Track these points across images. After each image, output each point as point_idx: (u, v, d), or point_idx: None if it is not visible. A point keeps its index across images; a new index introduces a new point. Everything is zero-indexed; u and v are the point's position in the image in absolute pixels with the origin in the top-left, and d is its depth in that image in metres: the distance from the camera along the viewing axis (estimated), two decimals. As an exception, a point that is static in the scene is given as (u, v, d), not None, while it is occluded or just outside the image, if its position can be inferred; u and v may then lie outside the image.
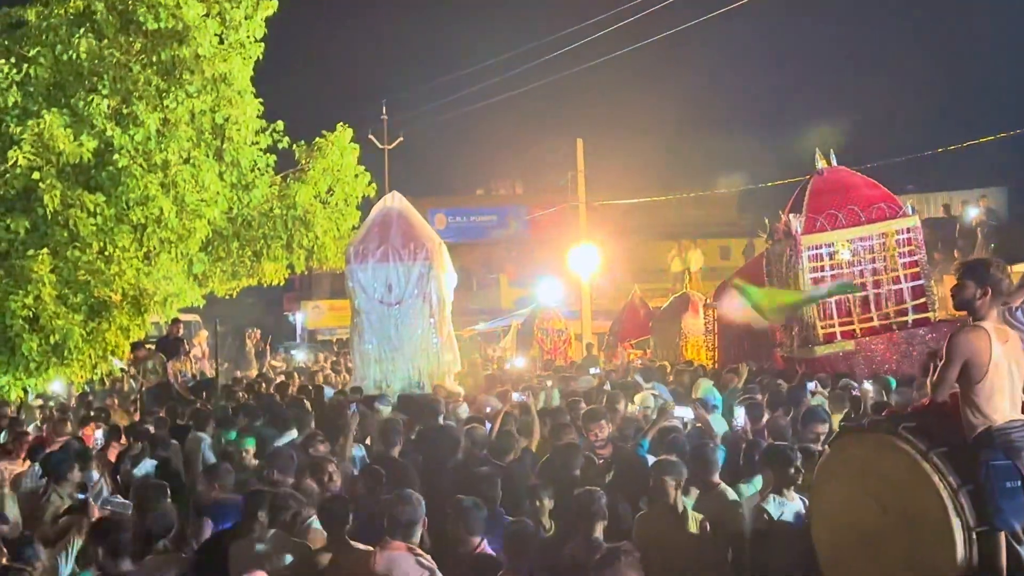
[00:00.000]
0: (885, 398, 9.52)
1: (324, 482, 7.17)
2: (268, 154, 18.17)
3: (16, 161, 14.51)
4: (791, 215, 14.54)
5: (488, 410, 10.65)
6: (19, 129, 14.69)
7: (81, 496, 7.75)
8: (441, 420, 9.90)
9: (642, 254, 38.90)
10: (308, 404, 12.17)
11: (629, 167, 37.20)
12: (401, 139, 38.84)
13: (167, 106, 15.89)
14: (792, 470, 6.49)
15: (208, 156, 16.78)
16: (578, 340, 27.41)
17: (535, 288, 31.76)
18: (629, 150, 38.60)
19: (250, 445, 8.93)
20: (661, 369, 15.26)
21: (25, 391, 15.33)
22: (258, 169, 17.98)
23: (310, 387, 15.36)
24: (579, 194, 29.93)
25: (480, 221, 45.11)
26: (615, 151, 38.13)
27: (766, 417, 9.20)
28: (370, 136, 37.08)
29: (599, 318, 30.23)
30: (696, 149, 41.88)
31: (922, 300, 14.26)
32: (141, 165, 15.44)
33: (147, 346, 16.49)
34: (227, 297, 19.78)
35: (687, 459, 6.96)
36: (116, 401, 15.11)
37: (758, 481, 7.25)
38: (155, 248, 15.84)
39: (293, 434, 9.64)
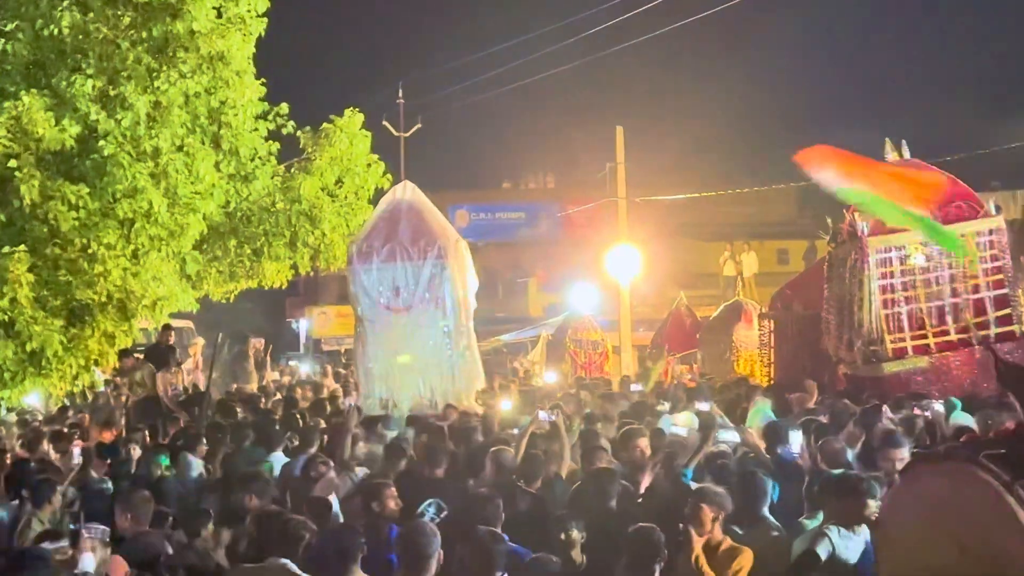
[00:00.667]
0: (951, 421, 9.41)
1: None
2: (270, 141, 18.28)
3: (-9, 148, 14.64)
4: (856, 214, 14.39)
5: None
6: (-6, 112, 14.83)
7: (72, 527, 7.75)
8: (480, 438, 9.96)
9: (689, 257, 38.75)
10: (323, 422, 12.33)
11: (675, 159, 37.10)
12: (419, 125, 38.90)
13: (158, 87, 16.01)
14: (863, 504, 6.36)
15: (203, 143, 16.90)
16: (615, 353, 27.32)
17: (568, 294, 31.73)
18: (675, 139, 38.53)
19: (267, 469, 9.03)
20: (709, 386, 15.18)
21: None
22: (259, 158, 18.08)
23: (326, 402, 15.24)
24: (618, 189, 29.82)
25: (507, 218, 45.15)
26: (659, 140, 38.07)
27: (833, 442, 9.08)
28: (384, 122, 37.16)
29: (640, 328, 30.13)
30: (751, 139, 41.73)
31: (1006, 311, 14.06)
32: (129, 153, 15.55)
33: (135, 355, 16.59)
34: (223, 301, 19.89)
35: (733, 489, 6.92)
36: (88, 417, 15.14)
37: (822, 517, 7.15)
38: (144, 246, 15.94)
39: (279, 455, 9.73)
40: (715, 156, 39.65)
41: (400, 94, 38.65)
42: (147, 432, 12.59)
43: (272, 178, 18.33)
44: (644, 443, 8.65)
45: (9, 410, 16.22)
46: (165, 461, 9.32)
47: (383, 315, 14.25)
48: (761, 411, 11.41)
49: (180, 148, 16.32)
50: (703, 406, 11.74)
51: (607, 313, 30.00)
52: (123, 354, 16.11)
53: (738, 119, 44.61)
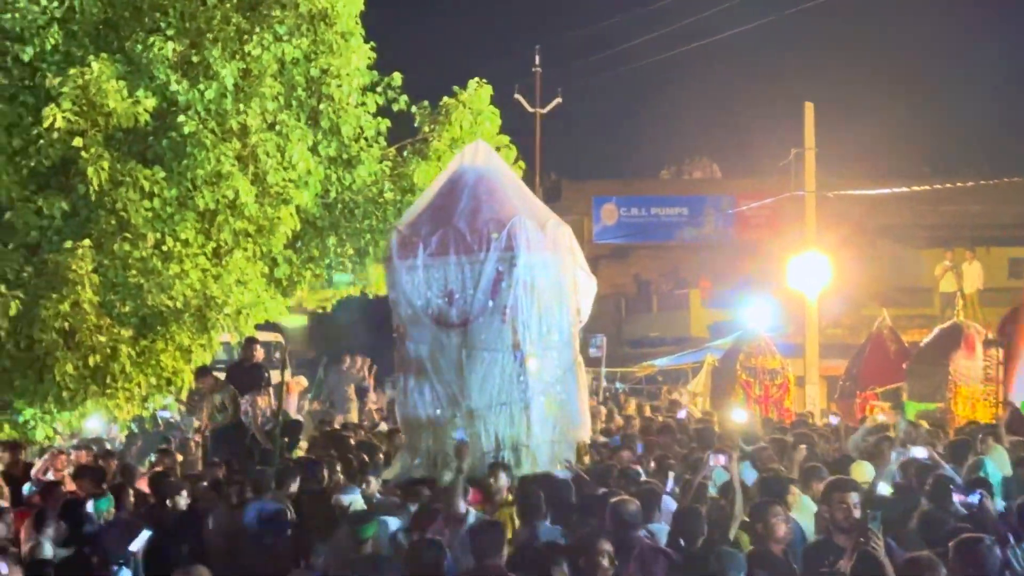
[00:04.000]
0: None
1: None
2: (379, 119, 18.44)
3: (53, 122, 15.12)
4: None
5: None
6: (58, 81, 15.30)
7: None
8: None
9: (894, 267, 37.89)
10: None
11: (876, 144, 36.35)
12: (559, 100, 38.94)
13: (249, 53, 16.31)
14: None
15: (299, 120, 17.13)
16: (799, 385, 26.82)
17: (738, 310, 31.25)
18: (877, 120, 37.73)
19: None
20: (929, 430, 14.81)
21: (56, 430, 15.97)
22: (365, 139, 18.25)
23: None
24: (805, 180, 29.32)
25: (665, 215, 44.87)
26: (857, 121, 37.33)
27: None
28: (517, 96, 37.34)
29: (830, 355, 29.54)
30: (977, 120, 40.55)
31: None
32: (213, 131, 15.88)
33: (214, 374, 16.91)
34: (319, 311, 20.17)
35: (949, 556, 6.86)
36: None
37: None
38: (227, 243, 16.24)
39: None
40: (928, 141, 38.70)
41: (537, 62, 38.77)
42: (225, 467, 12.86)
43: (380, 163, 18.49)
44: (853, 500, 8.43)
45: (71, 435, 16.70)
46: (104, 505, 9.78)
47: (431, 332, 12.54)
48: (996, 461, 11.07)
49: (272, 126, 16.59)
50: (919, 452, 11.42)
51: (789, 335, 29.50)
52: (201, 372, 16.41)
53: (959, 95, 43.42)
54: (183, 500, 11.67)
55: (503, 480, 10.72)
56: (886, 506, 8.95)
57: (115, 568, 8.03)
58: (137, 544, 7.50)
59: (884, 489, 9.97)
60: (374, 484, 11.07)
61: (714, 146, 47.60)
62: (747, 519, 8.96)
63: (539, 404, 12.34)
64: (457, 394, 12.25)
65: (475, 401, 12.20)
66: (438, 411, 12.40)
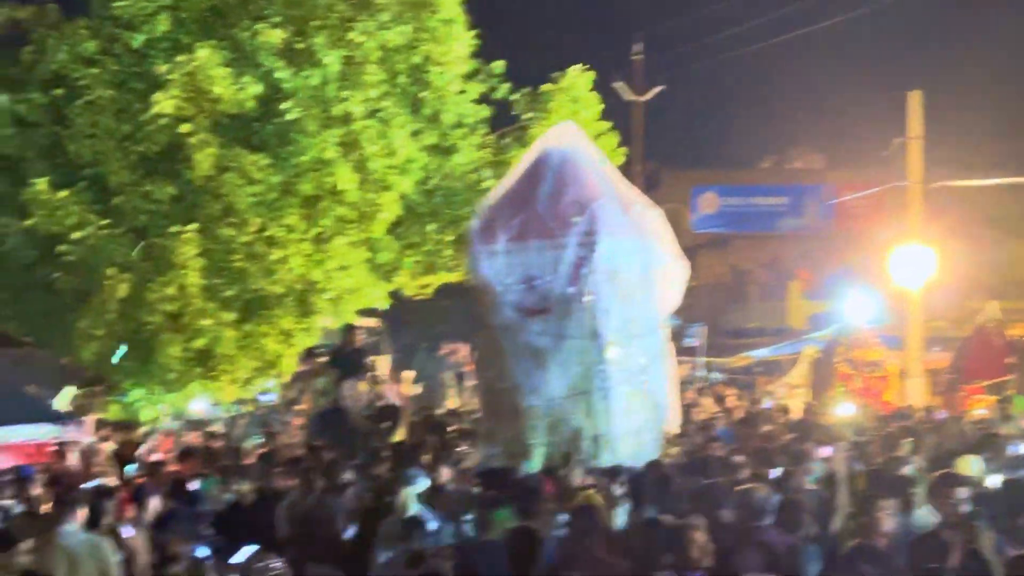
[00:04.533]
0: None
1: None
2: (479, 106, 18.46)
3: (162, 108, 15.35)
4: None
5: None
6: (167, 67, 15.57)
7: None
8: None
9: (1001, 259, 37.15)
10: None
11: (983, 132, 35.63)
12: (660, 88, 38.67)
13: (352, 40, 16.42)
14: None
15: (402, 108, 17.21)
16: (901, 378, 26.41)
17: (838, 302, 30.84)
18: (985, 107, 36.96)
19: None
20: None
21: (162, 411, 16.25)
22: (465, 126, 18.29)
23: None
24: (910, 170, 28.80)
25: (765, 205, 44.40)
26: (961, 109, 36.60)
27: None
28: (617, 84, 37.14)
29: (933, 348, 29.04)
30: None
31: None
32: (316, 118, 16.02)
33: (317, 359, 17.04)
34: (419, 297, 20.24)
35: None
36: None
37: None
38: (329, 229, 16.40)
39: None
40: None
41: (639, 50, 38.54)
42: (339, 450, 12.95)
43: (480, 150, 18.51)
44: (961, 495, 8.28)
45: (175, 418, 16.96)
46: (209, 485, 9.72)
47: (512, 321, 12.05)
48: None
49: (374, 113, 16.69)
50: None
51: (890, 328, 29.04)
52: (305, 356, 16.55)
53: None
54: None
55: (576, 472, 10.37)
56: (995, 501, 8.80)
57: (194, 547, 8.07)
58: (239, 557, 7.46)
59: (993, 484, 9.81)
60: (446, 473, 10.47)
61: (816, 135, 46.92)
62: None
63: (620, 394, 11.87)
64: (536, 382, 11.80)
65: (553, 390, 11.78)
66: (517, 400, 11.94)
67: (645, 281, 12.25)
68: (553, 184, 12.11)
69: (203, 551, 7.83)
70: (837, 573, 7.60)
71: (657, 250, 12.41)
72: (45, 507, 10.36)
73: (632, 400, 11.90)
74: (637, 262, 12.14)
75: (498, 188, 13.19)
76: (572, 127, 13.22)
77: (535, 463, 11.34)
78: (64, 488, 10.78)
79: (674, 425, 12.64)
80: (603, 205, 11.88)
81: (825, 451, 9.65)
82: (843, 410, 18.69)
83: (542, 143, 12.98)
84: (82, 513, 8.70)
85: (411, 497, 9.50)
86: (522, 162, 13.08)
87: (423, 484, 9.87)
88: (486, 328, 12.39)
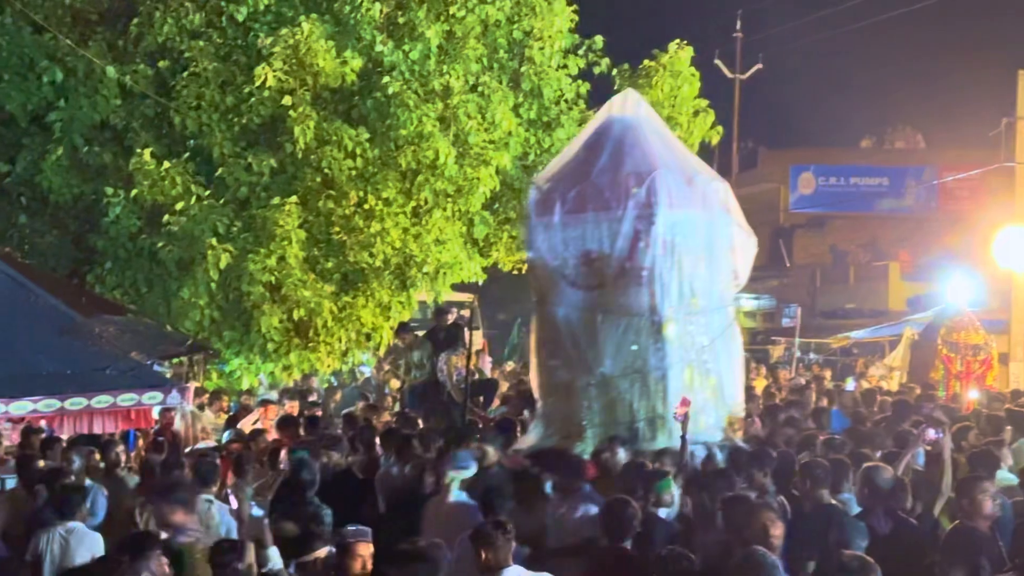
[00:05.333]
0: None
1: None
2: (578, 81, 18.43)
3: (264, 81, 15.52)
4: None
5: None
6: (270, 40, 15.72)
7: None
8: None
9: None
10: None
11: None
12: (759, 66, 38.35)
13: (453, 15, 16.46)
14: None
15: (501, 83, 17.22)
16: (1002, 363, 25.92)
17: (939, 284, 30.35)
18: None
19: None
20: None
21: (261, 380, 16.47)
22: (565, 101, 18.27)
23: None
24: (1017, 151, 28.21)
25: (864, 185, 43.67)
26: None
27: None
28: (716, 61, 36.87)
29: (1037, 332, 28.48)
30: None
31: None
32: (416, 92, 16.08)
33: (413, 332, 17.11)
34: (514, 272, 20.23)
35: None
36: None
37: None
38: (427, 203, 16.47)
39: None
40: None
41: (738, 27, 38.22)
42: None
43: (579, 125, 18.45)
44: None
45: (271, 387, 17.19)
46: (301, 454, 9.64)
47: (568, 295, 11.34)
48: None
49: (474, 88, 16.72)
50: None
51: (994, 311, 28.51)
52: (401, 328, 16.63)
53: None
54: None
55: (620, 455, 9.72)
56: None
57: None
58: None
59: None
60: (491, 454, 9.87)
61: (918, 115, 46.14)
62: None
63: (678, 374, 11.03)
64: (591, 360, 11.07)
65: (609, 368, 11.00)
66: (570, 379, 11.28)
67: (710, 256, 11.41)
68: (613, 154, 11.30)
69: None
70: (939, 556, 7.47)
71: (722, 223, 11.52)
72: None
73: (692, 381, 11.08)
74: (699, 235, 11.29)
75: (558, 158, 12.47)
76: (634, 95, 12.31)
77: (588, 445, 10.65)
78: (171, 453, 11.00)
79: (739, 408, 11.74)
80: (662, 175, 10.99)
81: (930, 434, 9.42)
82: (971, 394, 18.29)
83: (605, 111, 12.08)
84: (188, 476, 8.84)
85: (456, 482, 8.90)
86: (584, 131, 12.35)
87: (469, 471, 9.18)
88: (541, 304, 11.69)
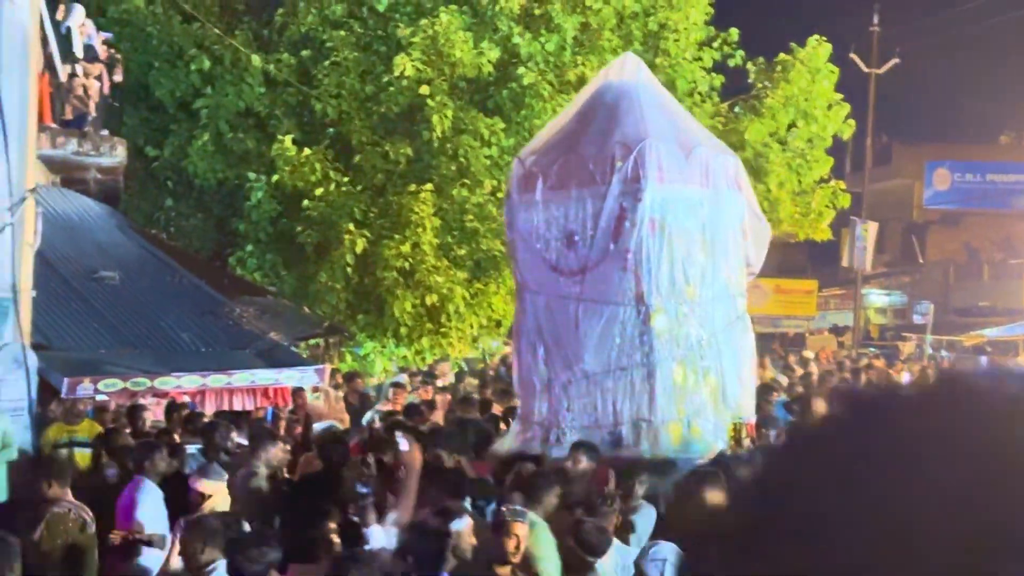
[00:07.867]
0: None
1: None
2: (712, 74, 18.26)
3: (403, 71, 15.69)
4: None
5: None
6: (409, 31, 15.89)
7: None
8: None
9: None
10: None
11: None
12: (896, 60, 37.50)
13: (589, 7, 16.44)
14: None
15: (636, 74, 17.16)
16: None
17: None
18: None
19: None
20: None
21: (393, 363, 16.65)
22: (698, 94, 18.13)
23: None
24: None
25: (1002, 182, 42.56)
26: None
27: None
28: (852, 55, 36.19)
29: None
30: None
31: None
32: (551, 83, 16.12)
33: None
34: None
35: None
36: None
37: None
38: (560, 192, 16.48)
39: None
40: None
41: (875, 20, 37.44)
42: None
43: (712, 118, 18.31)
44: None
45: (401, 370, 17.36)
46: None
47: (549, 281, 9.90)
48: None
49: (608, 79, 16.68)
50: None
51: None
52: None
53: None
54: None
55: (584, 463, 8.28)
56: None
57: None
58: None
59: None
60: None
61: (1060, 111, 44.77)
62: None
63: (667, 372, 9.57)
64: (570, 355, 9.70)
65: (590, 364, 9.58)
66: (550, 376, 9.88)
67: (710, 238, 9.86)
68: (605, 123, 9.79)
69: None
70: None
71: (730, 202, 10.03)
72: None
73: (685, 380, 9.63)
74: (698, 215, 9.77)
75: (545, 130, 10.87)
76: (634, 58, 10.75)
77: (567, 451, 8.86)
78: (308, 430, 11.19)
79: (747, 413, 10.09)
80: (652, 145, 9.43)
81: None
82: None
83: (601, 77, 10.61)
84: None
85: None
86: (577, 98, 10.91)
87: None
88: (520, 291, 10.30)
